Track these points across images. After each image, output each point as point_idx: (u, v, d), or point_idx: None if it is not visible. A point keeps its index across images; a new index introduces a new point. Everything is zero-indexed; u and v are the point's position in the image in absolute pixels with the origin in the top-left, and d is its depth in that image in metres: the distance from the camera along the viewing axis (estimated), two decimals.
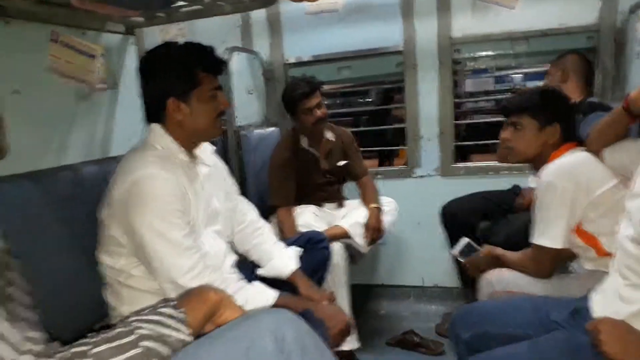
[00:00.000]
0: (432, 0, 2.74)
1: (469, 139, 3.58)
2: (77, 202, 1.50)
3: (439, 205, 2.59)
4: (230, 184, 1.72)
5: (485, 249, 1.82)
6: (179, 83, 1.39)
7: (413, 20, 2.79)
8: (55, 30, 1.63)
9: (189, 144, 1.47)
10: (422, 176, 2.93)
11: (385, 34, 2.84)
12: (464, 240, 1.89)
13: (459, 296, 2.82)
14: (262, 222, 1.81)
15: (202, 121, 1.43)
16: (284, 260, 1.72)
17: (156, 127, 1.43)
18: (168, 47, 1.44)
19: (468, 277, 1.98)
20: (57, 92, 1.64)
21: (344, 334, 1.46)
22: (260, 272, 1.72)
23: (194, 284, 1.28)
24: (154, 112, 1.44)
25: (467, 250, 1.87)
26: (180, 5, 1.92)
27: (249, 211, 1.80)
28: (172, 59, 1.40)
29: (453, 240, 1.96)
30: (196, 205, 1.44)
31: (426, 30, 2.78)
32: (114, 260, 1.38)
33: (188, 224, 1.37)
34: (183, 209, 1.36)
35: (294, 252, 1.78)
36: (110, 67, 1.87)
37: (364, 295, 2.94)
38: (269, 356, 0.98)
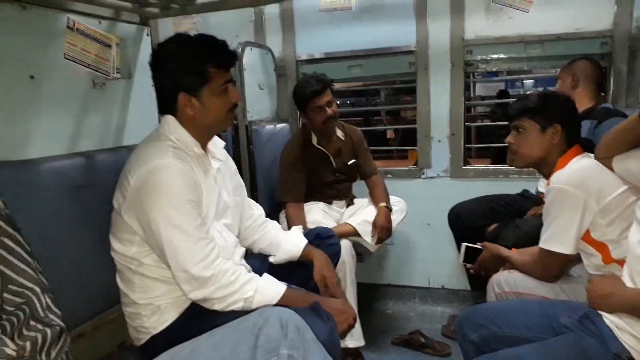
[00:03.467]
0: (445, 1, 2.73)
1: (477, 142, 3.56)
2: (90, 189, 1.51)
3: (448, 207, 2.58)
4: (238, 179, 1.73)
5: (488, 249, 1.82)
6: (190, 79, 1.38)
7: (426, 21, 2.78)
8: (72, 17, 1.64)
9: (202, 137, 1.47)
10: (431, 177, 2.92)
11: (397, 33, 2.84)
12: (463, 247, 1.88)
13: (465, 298, 2.81)
14: (267, 219, 1.82)
15: (213, 115, 1.43)
16: (293, 241, 1.73)
17: (170, 119, 1.44)
18: (179, 41, 1.43)
19: (477, 280, 1.97)
20: (72, 79, 1.64)
21: (351, 328, 1.46)
22: (272, 259, 1.72)
23: (206, 273, 1.30)
24: (167, 105, 1.44)
25: (470, 255, 1.87)
26: None
27: (256, 207, 1.81)
28: (183, 54, 1.39)
29: (460, 242, 1.96)
30: (208, 197, 1.45)
31: (439, 31, 2.77)
32: (126, 248, 1.39)
33: (200, 215, 1.38)
34: (197, 200, 1.37)
35: (299, 231, 1.80)
36: (125, 57, 1.87)
37: (370, 294, 2.94)
38: (275, 340, 1.11)
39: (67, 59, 1.62)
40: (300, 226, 1.88)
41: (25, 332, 0.87)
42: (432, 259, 2.94)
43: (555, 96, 1.72)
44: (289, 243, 1.73)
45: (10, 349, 0.83)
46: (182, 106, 1.40)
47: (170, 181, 1.31)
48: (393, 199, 2.51)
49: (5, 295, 0.87)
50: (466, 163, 2.91)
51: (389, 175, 2.96)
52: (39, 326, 0.90)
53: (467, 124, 2.90)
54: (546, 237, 1.57)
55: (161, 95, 1.46)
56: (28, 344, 0.86)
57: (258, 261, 1.72)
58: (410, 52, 2.85)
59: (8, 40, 1.44)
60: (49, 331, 0.91)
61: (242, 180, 1.76)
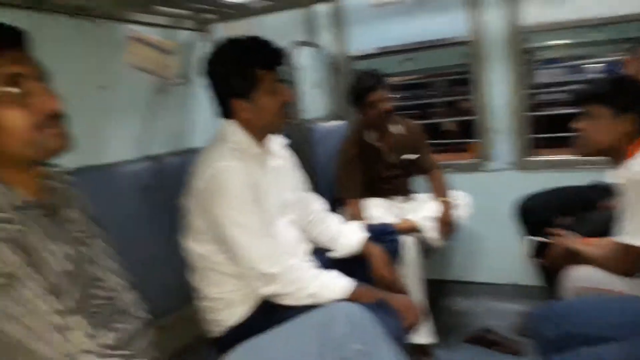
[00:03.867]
0: None
1: (541, 132, 3.39)
2: (160, 191, 1.59)
3: (513, 200, 2.47)
4: (298, 176, 1.74)
5: (559, 242, 1.74)
6: (240, 85, 1.42)
7: (480, 9, 2.69)
8: (133, 27, 1.71)
9: (259, 137, 1.50)
10: (494, 170, 2.82)
11: (450, 24, 2.76)
12: (531, 241, 1.82)
13: (535, 295, 2.68)
14: (327, 212, 1.83)
15: (266, 116, 1.46)
16: (352, 236, 1.73)
17: (229, 123, 1.48)
18: (226, 48, 1.46)
19: (548, 275, 1.88)
20: (138, 86, 1.72)
21: (416, 324, 1.46)
22: (331, 254, 1.72)
23: (273, 270, 1.33)
24: (223, 109, 1.49)
25: (539, 249, 1.79)
26: (251, 1, 1.96)
27: (315, 202, 1.82)
28: (231, 61, 1.42)
29: (529, 236, 1.88)
30: (269, 195, 1.48)
31: (494, 20, 2.67)
32: (199, 246, 1.45)
33: (263, 213, 1.41)
34: (258, 199, 1.40)
35: (358, 226, 1.79)
36: (185, 62, 1.93)
37: (437, 290, 2.86)
38: (344, 336, 1.10)
39: (131, 67, 1.69)
40: (361, 221, 1.87)
41: (114, 324, 0.93)
42: (500, 253, 2.83)
43: (629, 82, 1.62)
44: (347, 238, 1.73)
45: (105, 339, 0.89)
46: (237, 110, 1.45)
47: (231, 183, 1.35)
48: (456, 193, 2.46)
49: (94, 290, 0.93)
50: (532, 154, 2.78)
51: (449, 169, 2.87)
52: (127, 318, 0.97)
53: (531, 113, 2.78)
54: (624, 230, 1.48)
55: (216, 100, 1.51)
56: (116, 335, 0.92)
57: (322, 256, 1.73)
58: (465, 43, 2.76)
59: (80, 53, 1.52)
60: (135, 323, 0.98)
61: (303, 176, 1.77)
